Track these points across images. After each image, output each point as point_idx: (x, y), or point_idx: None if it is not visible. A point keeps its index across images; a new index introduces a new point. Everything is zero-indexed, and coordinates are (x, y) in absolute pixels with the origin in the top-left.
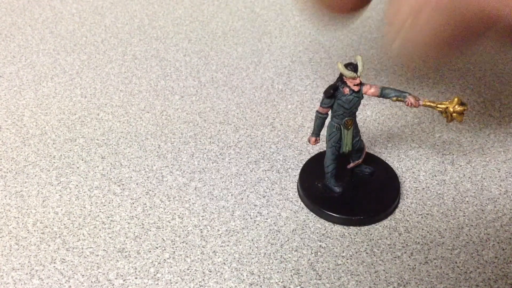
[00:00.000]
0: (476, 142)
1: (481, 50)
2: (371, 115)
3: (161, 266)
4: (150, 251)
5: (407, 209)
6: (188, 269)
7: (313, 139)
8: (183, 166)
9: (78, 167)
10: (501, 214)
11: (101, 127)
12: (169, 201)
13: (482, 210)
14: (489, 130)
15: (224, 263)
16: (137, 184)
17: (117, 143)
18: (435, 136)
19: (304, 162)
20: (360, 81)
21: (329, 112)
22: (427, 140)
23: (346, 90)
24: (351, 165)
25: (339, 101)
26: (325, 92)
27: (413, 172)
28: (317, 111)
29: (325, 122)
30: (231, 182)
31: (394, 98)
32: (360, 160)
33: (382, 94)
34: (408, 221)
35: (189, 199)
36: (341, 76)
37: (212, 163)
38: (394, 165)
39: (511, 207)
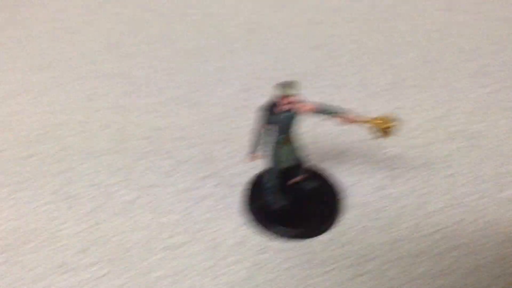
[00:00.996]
0: (420, 157)
1: (440, 67)
2: (323, 131)
3: (99, 281)
4: (90, 266)
5: (346, 224)
6: (123, 285)
7: (252, 155)
8: (133, 182)
9: (32, 183)
10: (437, 229)
11: (59, 143)
12: (115, 216)
13: (418, 225)
14: (435, 146)
15: (162, 278)
16: (86, 200)
17: (72, 159)
18: (382, 151)
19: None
20: (295, 99)
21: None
22: (374, 155)
23: (282, 108)
24: (293, 180)
25: (275, 118)
26: (261, 109)
27: (357, 187)
28: (254, 128)
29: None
30: (178, 197)
31: (329, 115)
32: (301, 176)
33: (317, 111)
34: (345, 235)
35: (135, 215)
36: (277, 94)
37: (163, 179)
38: (340, 180)
39: (447, 222)
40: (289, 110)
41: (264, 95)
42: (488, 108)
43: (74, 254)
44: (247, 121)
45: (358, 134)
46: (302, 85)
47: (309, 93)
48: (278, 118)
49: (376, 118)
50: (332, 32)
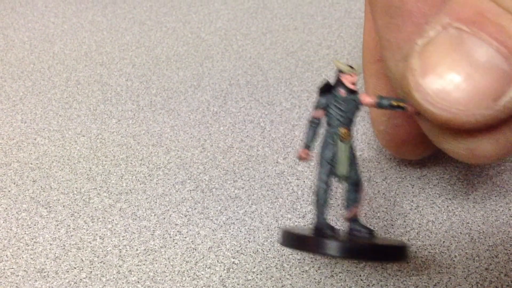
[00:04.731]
0: (393, 159)
1: None
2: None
3: (77, 285)
4: (68, 271)
5: None
6: None
7: (302, 150)
8: (111, 188)
9: (9, 191)
10: (410, 229)
11: (36, 151)
12: (92, 222)
13: (392, 225)
14: None
15: (138, 282)
16: (63, 206)
17: (50, 166)
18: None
19: (229, 182)
20: (356, 81)
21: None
22: None
23: (342, 91)
24: (349, 213)
25: (335, 102)
26: (319, 87)
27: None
28: (309, 117)
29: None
30: (156, 202)
31: (395, 103)
32: (358, 204)
33: (379, 105)
34: None
35: (113, 220)
36: (336, 76)
37: (140, 184)
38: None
39: (420, 222)
40: (351, 93)
41: (238, 101)
42: None
43: (53, 259)
44: (223, 127)
45: None
46: (277, 91)
47: (284, 98)
48: (339, 102)
49: None
50: (306, 38)
